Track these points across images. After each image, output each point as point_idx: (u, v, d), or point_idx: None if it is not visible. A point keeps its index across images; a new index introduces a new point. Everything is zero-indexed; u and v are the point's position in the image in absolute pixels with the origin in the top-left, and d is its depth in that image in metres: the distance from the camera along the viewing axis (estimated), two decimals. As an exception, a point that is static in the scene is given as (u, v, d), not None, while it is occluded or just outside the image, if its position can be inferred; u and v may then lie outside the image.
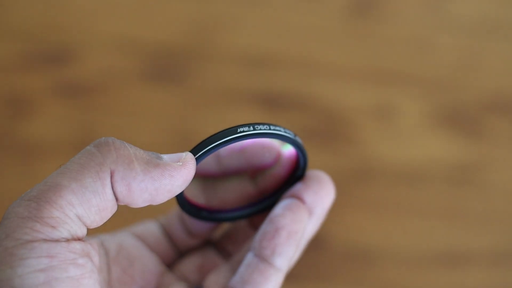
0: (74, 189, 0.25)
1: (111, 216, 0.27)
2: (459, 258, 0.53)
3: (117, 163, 0.26)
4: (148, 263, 0.32)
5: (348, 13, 0.60)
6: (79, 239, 0.25)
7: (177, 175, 0.27)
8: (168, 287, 0.32)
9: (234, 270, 0.32)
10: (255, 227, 0.34)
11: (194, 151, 0.28)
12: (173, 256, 0.34)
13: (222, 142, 0.28)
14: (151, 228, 0.34)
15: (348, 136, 0.55)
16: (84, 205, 0.25)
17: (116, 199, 0.26)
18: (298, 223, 0.30)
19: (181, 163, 0.27)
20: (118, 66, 0.56)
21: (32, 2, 0.58)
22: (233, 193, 0.33)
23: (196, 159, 0.28)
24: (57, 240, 0.24)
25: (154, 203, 0.27)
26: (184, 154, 0.28)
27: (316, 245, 0.52)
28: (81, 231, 0.25)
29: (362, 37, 0.59)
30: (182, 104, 0.55)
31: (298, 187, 0.31)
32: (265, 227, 0.30)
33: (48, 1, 0.58)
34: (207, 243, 0.35)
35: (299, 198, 0.31)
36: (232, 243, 0.34)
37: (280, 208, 0.30)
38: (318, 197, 0.31)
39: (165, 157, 0.27)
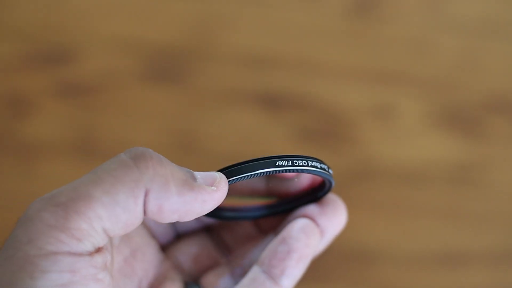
0: (105, 203, 0.24)
1: None
2: (459, 258, 0.53)
3: (153, 182, 0.25)
4: (148, 252, 0.31)
5: (348, 13, 0.60)
6: (101, 249, 0.25)
7: (210, 200, 0.26)
8: (164, 277, 0.31)
9: (233, 275, 0.32)
10: (256, 223, 0.34)
11: (227, 174, 0.28)
12: (170, 237, 0.34)
13: (259, 172, 0.28)
14: None
15: (348, 136, 0.55)
16: (112, 219, 0.24)
17: (145, 213, 0.26)
18: (310, 248, 0.30)
19: (215, 188, 0.27)
20: (118, 66, 0.56)
21: (32, 2, 0.58)
22: (244, 193, 0.33)
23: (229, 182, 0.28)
24: (80, 254, 0.24)
25: (180, 221, 0.27)
26: (217, 175, 0.27)
27: (316, 245, 0.52)
28: (104, 242, 0.25)
29: (362, 37, 0.59)
30: (182, 104, 0.55)
31: (314, 210, 0.31)
32: (277, 245, 0.30)
33: (48, 1, 0.58)
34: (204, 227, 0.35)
35: (314, 221, 0.31)
36: (230, 233, 0.34)
37: (295, 230, 0.30)
38: (332, 224, 0.32)
39: (199, 177, 0.27)
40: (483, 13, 0.61)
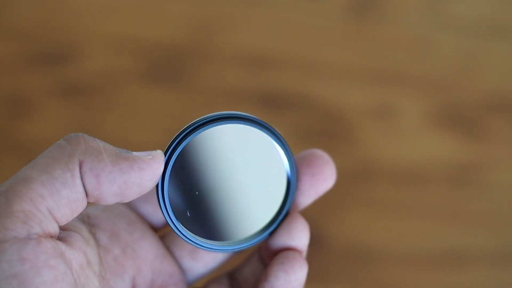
0: (44, 181, 0.25)
1: None
2: (460, 258, 0.53)
3: (86, 154, 0.26)
4: (141, 248, 0.31)
5: (348, 13, 0.60)
6: (51, 237, 0.25)
7: (147, 168, 0.27)
8: (170, 276, 0.31)
9: None
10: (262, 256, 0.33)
11: (165, 151, 0.29)
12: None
13: (185, 134, 0.29)
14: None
15: (348, 136, 0.55)
16: (54, 196, 0.25)
17: (86, 193, 0.26)
18: (292, 283, 0.29)
19: (150, 157, 0.27)
20: (118, 66, 0.56)
21: (32, 2, 0.58)
22: None
23: (165, 153, 0.29)
24: (27, 238, 0.24)
25: (124, 199, 0.27)
26: (154, 151, 0.28)
27: (316, 245, 0.52)
28: (53, 228, 0.25)
29: (362, 37, 0.59)
30: (181, 104, 0.55)
31: (287, 233, 0.30)
32: (262, 281, 0.29)
33: (48, 1, 0.58)
34: None
35: (293, 249, 0.30)
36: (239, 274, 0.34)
37: (274, 267, 0.29)
38: (304, 236, 0.31)
39: (135, 153, 0.28)
40: (483, 13, 0.61)
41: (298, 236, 0.30)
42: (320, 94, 0.57)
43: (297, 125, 0.55)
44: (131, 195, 0.27)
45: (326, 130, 0.56)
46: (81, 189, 0.26)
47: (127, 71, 0.56)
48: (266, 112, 0.56)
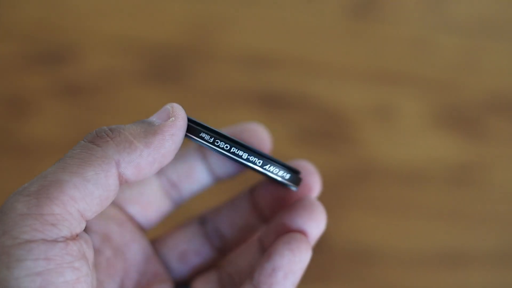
0: (76, 184, 0.24)
1: None
2: (460, 258, 0.53)
3: (119, 151, 0.26)
4: (129, 251, 0.31)
5: (348, 13, 0.59)
6: (77, 236, 0.25)
7: (177, 131, 0.27)
8: (154, 277, 0.31)
9: (222, 284, 0.32)
10: (255, 208, 0.33)
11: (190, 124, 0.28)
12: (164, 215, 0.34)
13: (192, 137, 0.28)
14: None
15: (348, 136, 0.55)
16: (86, 198, 0.25)
17: (126, 181, 0.26)
18: (296, 264, 0.29)
19: (173, 118, 0.27)
20: (118, 66, 0.56)
21: (32, 2, 0.58)
22: None
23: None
24: (55, 240, 0.24)
25: (164, 166, 0.27)
26: (168, 106, 0.28)
27: (316, 245, 0.52)
28: (80, 227, 0.25)
29: (362, 37, 0.59)
30: (181, 104, 0.55)
31: (298, 216, 0.30)
32: (264, 262, 0.29)
33: (48, 1, 0.58)
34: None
35: (301, 231, 0.30)
36: (226, 222, 0.34)
37: (280, 246, 0.29)
38: (318, 226, 0.31)
39: (154, 119, 0.27)
40: (483, 13, 0.61)
41: (316, 222, 0.30)
42: (320, 94, 0.57)
43: (297, 125, 0.55)
44: (170, 159, 0.27)
45: (326, 130, 0.56)
46: (115, 186, 0.26)
47: (127, 71, 0.56)
48: (266, 112, 0.56)
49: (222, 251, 0.34)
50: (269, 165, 0.29)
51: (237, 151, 0.28)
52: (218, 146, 0.28)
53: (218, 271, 0.32)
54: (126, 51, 0.57)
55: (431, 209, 0.54)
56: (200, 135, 0.28)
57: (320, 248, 0.51)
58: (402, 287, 0.52)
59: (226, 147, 0.28)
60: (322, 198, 0.33)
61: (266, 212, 0.33)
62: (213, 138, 0.28)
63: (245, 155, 0.28)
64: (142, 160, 0.26)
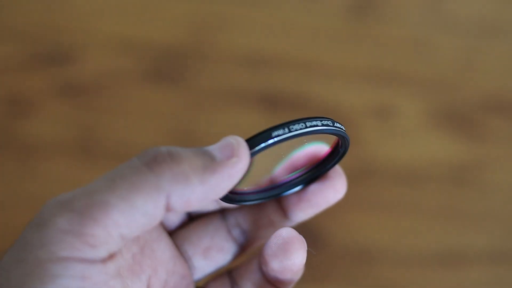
0: (123, 209, 0.23)
1: None
2: (459, 258, 0.53)
3: (173, 184, 0.24)
4: (158, 248, 0.30)
5: (348, 13, 0.60)
6: (114, 255, 0.24)
7: (235, 172, 0.25)
8: (181, 277, 0.31)
9: None
10: (280, 205, 0.33)
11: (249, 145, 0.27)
12: (183, 219, 0.33)
13: (275, 141, 0.27)
14: None
15: (348, 136, 0.55)
16: (130, 224, 0.24)
17: (172, 210, 0.25)
18: (293, 267, 0.29)
19: (236, 158, 0.25)
20: (118, 66, 0.56)
21: (32, 2, 0.58)
22: (258, 173, 0.31)
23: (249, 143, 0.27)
24: (93, 261, 0.23)
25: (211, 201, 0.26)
26: (233, 141, 0.26)
27: (316, 245, 0.52)
28: (119, 248, 0.25)
29: (362, 37, 0.59)
30: (182, 104, 0.55)
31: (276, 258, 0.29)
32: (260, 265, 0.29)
33: (48, 1, 0.58)
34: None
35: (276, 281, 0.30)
36: (248, 218, 0.33)
37: (272, 246, 0.29)
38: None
39: (217, 153, 0.26)
40: (483, 13, 0.61)
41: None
42: (320, 94, 0.57)
43: (297, 125, 0.55)
44: (220, 196, 0.26)
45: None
46: (160, 216, 0.24)
47: (128, 71, 0.56)
48: (266, 112, 0.56)
49: (243, 248, 0.34)
50: (334, 121, 0.29)
51: (311, 124, 0.28)
52: (294, 130, 0.27)
53: (230, 276, 0.32)
54: (127, 52, 0.57)
55: (430, 209, 0.54)
56: (273, 134, 0.27)
57: (319, 247, 0.52)
58: (402, 286, 0.52)
59: (302, 126, 0.28)
60: (335, 203, 0.33)
61: (289, 208, 0.33)
62: (286, 128, 0.27)
63: (319, 123, 0.28)
64: (194, 196, 0.24)
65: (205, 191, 0.25)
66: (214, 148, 0.26)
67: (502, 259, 0.53)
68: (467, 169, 0.55)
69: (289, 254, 0.29)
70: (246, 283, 0.31)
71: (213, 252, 0.32)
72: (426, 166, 0.55)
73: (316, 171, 0.32)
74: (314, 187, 0.32)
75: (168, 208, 0.25)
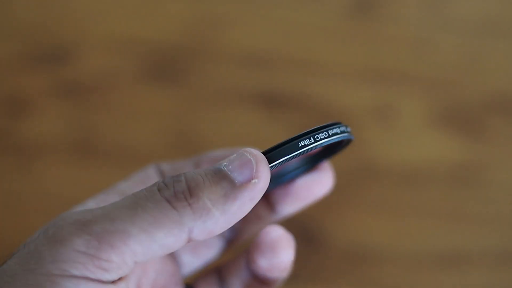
0: (142, 240, 0.23)
1: None
2: (460, 258, 0.52)
3: (195, 219, 0.24)
4: (159, 268, 0.31)
5: (348, 13, 0.59)
6: (126, 276, 0.25)
7: (256, 194, 0.25)
8: (170, 275, 0.31)
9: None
10: (268, 200, 0.33)
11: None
12: None
13: (283, 160, 0.26)
14: None
15: (348, 136, 0.55)
16: (147, 254, 0.24)
17: (192, 241, 0.25)
18: (280, 266, 0.29)
19: (256, 180, 0.25)
20: (117, 66, 0.56)
21: (32, 2, 0.58)
22: None
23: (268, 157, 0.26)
24: (104, 282, 0.23)
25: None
26: (251, 159, 0.25)
27: (316, 245, 0.52)
28: (131, 271, 0.25)
29: (362, 37, 0.59)
30: (181, 104, 0.55)
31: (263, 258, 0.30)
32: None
33: (48, 1, 0.58)
34: None
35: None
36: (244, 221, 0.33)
37: (263, 245, 0.29)
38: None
39: (236, 175, 0.25)
40: (483, 13, 0.60)
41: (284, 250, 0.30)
42: (320, 94, 0.57)
43: (296, 124, 0.55)
44: (240, 218, 0.26)
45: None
46: (180, 246, 0.25)
47: (127, 70, 0.56)
48: (265, 111, 0.56)
49: (231, 242, 0.34)
50: (344, 126, 0.28)
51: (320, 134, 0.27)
52: (319, 139, 0.26)
53: (219, 273, 0.32)
54: (126, 51, 0.57)
55: (431, 209, 0.54)
56: (300, 144, 0.26)
57: (319, 248, 0.51)
58: (402, 287, 0.52)
59: (325, 135, 0.27)
60: (322, 198, 0.33)
61: (276, 202, 0.33)
62: (311, 137, 0.26)
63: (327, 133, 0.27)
64: (216, 227, 0.24)
65: (227, 220, 0.25)
66: (232, 168, 0.25)
67: (506, 260, 0.53)
68: (468, 169, 0.55)
69: (277, 252, 0.29)
70: (234, 281, 0.32)
71: (201, 247, 0.32)
72: (427, 166, 0.55)
73: (306, 165, 0.32)
74: (301, 181, 0.32)
75: (189, 240, 0.25)
